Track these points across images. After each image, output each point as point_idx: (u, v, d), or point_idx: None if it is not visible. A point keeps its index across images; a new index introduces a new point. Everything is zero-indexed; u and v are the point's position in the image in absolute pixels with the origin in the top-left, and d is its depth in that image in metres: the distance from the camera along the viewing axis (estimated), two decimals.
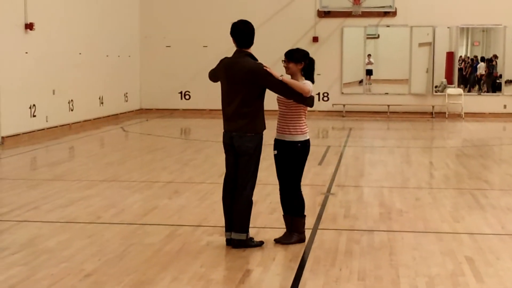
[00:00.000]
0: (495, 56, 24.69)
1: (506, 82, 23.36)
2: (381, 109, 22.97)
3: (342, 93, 23.43)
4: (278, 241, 7.19)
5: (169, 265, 6.45)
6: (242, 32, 6.92)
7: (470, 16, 22.88)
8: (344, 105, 23.01)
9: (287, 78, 6.90)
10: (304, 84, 6.86)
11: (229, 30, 6.98)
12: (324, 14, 23.12)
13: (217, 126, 11.84)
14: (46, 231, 7.81)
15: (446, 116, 22.60)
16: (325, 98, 23.27)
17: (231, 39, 7.00)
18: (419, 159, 13.91)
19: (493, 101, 23.19)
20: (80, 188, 10.31)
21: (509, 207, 9.13)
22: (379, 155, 14.52)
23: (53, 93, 17.66)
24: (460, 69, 24.54)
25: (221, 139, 7.12)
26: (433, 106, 22.80)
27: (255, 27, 7.03)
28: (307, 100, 6.90)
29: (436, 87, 23.35)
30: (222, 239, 7.22)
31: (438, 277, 6.14)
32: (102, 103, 20.68)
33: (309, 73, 7.06)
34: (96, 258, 6.67)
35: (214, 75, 7.21)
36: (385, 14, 23.01)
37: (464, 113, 22.52)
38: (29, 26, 16.30)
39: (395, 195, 10.00)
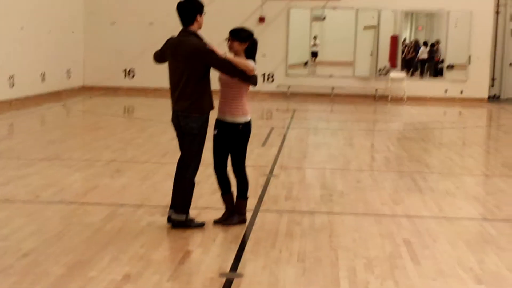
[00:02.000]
0: (437, 42, 25.02)
1: (447, 67, 23.70)
2: (325, 91, 23.09)
3: (287, 74, 23.48)
4: (218, 222, 7.18)
5: (108, 245, 6.40)
6: (184, 10, 6.86)
7: (415, 0, 23.14)
8: (289, 87, 23.07)
9: (230, 56, 6.85)
10: (249, 62, 6.84)
11: (175, 7, 6.93)
12: None
13: (162, 105, 11.82)
14: None
15: (389, 99, 22.86)
16: (270, 79, 23.30)
17: (177, 16, 6.94)
18: (361, 141, 14.06)
19: (435, 85, 23.54)
20: (20, 167, 10.13)
21: (447, 191, 9.31)
22: (322, 137, 14.62)
23: None
24: (403, 53, 24.82)
25: (165, 118, 7.06)
26: (376, 89, 23.03)
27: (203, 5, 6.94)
28: (251, 79, 6.89)
29: (379, 70, 23.58)
30: (163, 220, 7.19)
31: (377, 259, 6.24)
32: (44, 79, 20.31)
33: (251, 54, 6.99)
34: (35, 237, 6.58)
35: (160, 56, 7.14)
36: None
37: (407, 97, 22.81)
38: None
39: (337, 177, 10.09)
